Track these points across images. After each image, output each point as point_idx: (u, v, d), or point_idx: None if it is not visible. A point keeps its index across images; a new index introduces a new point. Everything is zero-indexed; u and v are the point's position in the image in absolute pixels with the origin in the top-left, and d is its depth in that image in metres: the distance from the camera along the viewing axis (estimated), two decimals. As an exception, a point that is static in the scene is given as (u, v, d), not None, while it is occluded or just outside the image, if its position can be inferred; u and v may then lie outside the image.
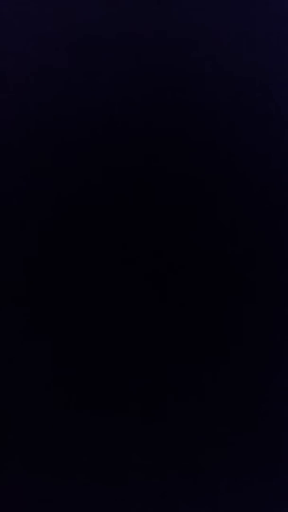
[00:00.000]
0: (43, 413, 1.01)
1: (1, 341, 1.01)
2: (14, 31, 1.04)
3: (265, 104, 1.05)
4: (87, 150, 1.03)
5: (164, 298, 1.03)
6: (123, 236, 1.03)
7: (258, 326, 1.03)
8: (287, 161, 1.05)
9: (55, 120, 1.03)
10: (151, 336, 1.02)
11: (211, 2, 1.05)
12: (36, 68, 1.04)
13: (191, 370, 1.02)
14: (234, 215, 1.04)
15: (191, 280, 1.03)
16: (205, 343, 1.02)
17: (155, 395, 1.02)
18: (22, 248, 1.02)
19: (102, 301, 1.02)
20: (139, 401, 1.02)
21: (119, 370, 1.02)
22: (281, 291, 1.03)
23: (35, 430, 1.01)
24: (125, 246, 1.03)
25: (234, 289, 1.03)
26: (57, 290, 1.02)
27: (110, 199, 1.03)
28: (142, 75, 1.04)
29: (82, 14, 1.05)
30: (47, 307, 1.02)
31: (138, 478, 1.02)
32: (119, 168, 1.03)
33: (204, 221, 1.03)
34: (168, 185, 1.03)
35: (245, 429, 1.02)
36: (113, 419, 1.02)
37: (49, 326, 1.02)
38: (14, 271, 1.02)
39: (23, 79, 1.04)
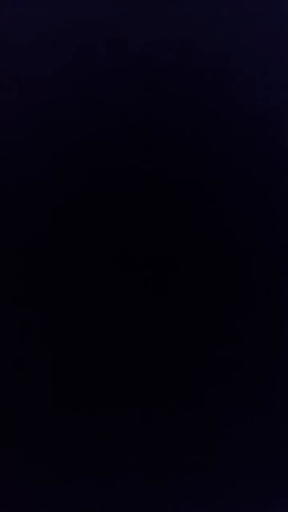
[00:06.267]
0: (43, 413, 1.01)
1: (0, 340, 1.01)
2: (14, 31, 1.04)
3: (266, 103, 1.05)
4: (87, 149, 1.03)
5: (164, 297, 1.03)
6: (123, 237, 1.03)
7: (258, 327, 1.03)
8: (287, 161, 1.05)
9: (55, 119, 1.03)
10: (152, 335, 1.02)
11: (211, 2, 1.05)
12: (36, 68, 1.04)
13: (191, 370, 1.02)
14: (234, 215, 1.04)
15: (191, 280, 1.03)
16: (205, 343, 1.02)
17: (155, 395, 1.02)
18: (22, 246, 1.02)
19: (102, 301, 1.02)
20: (139, 401, 1.02)
21: (119, 369, 1.02)
22: (282, 292, 1.03)
23: (35, 430, 1.01)
24: (124, 249, 1.03)
25: (234, 290, 1.03)
26: (56, 289, 1.02)
27: (110, 198, 1.03)
28: (142, 75, 1.04)
29: (82, 14, 1.05)
30: (46, 307, 1.02)
31: (137, 478, 1.02)
32: (118, 167, 1.03)
33: (204, 222, 1.03)
34: (168, 185, 1.03)
35: (245, 429, 1.02)
36: (112, 419, 1.02)
37: (48, 325, 1.02)
38: (14, 270, 1.02)
39: (23, 79, 1.04)
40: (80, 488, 1.01)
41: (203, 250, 1.03)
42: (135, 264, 1.03)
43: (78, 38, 1.04)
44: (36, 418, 1.01)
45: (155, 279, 1.03)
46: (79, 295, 1.02)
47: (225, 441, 1.02)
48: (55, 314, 1.02)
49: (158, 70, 1.04)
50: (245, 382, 1.03)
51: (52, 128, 1.03)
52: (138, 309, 1.02)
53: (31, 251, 1.02)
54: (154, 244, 1.03)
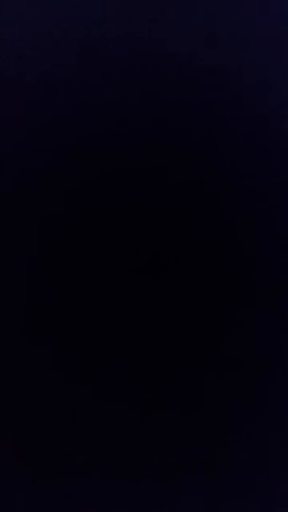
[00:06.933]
0: (43, 413, 1.01)
1: (0, 341, 1.01)
2: (15, 31, 1.04)
3: (265, 103, 1.05)
4: (87, 149, 1.03)
5: (164, 297, 1.03)
6: (124, 237, 1.03)
7: (258, 326, 1.03)
8: (287, 161, 1.05)
9: (55, 120, 1.03)
10: (152, 335, 1.02)
11: (211, 2, 1.06)
12: (36, 68, 1.04)
13: (191, 369, 1.02)
14: (234, 215, 1.04)
15: (192, 279, 1.03)
16: (205, 343, 1.02)
17: (156, 395, 1.02)
18: (22, 248, 1.02)
19: (102, 301, 1.02)
20: (139, 400, 1.02)
21: (119, 369, 1.02)
22: (282, 291, 1.04)
23: (35, 429, 1.01)
24: (125, 249, 1.03)
25: (235, 288, 1.03)
26: (57, 291, 1.02)
27: (110, 199, 1.03)
28: (142, 75, 1.04)
29: (82, 14, 1.05)
30: (47, 308, 1.02)
31: (137, 478, 1.02)
32: (118, 167, 1.03)
33: (204, 222, 1.03)
34: (168, 186, 1.03)
35: (246, 429, 1.02)
36: (112, 418, 1.02)
37: (48, 327, 1.02)
38: (14, 271, 1.02)
39: (23, 79, 1.04)
40: (80, 488, 1.01)
41: (203, 251, 1.03)
42: (136, 265, 1.03)
43: (78, 38, 1.05)
44: (35, 418, 1.01)
45: (155, 280, 1.03)
46: (80, 296, 1.02)
47: (225, 441, 1.02)
48: (55, 316, 1.02)
49: (158, 70, 1.04)
50: (245, 382, 1.03)
51: (52, 129, 1.03)
52: (138, 310, 1.02)
53: (31, 251, 1.02)
54: (154, 244, 1.03)
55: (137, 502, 1.01)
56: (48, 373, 1.01)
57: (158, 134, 1.04)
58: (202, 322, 1.03)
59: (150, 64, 1.04)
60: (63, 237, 1.02)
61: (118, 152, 1.03)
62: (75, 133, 1.03)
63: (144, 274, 1.03)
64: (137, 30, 1.05)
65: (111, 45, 1.04)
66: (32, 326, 1.02)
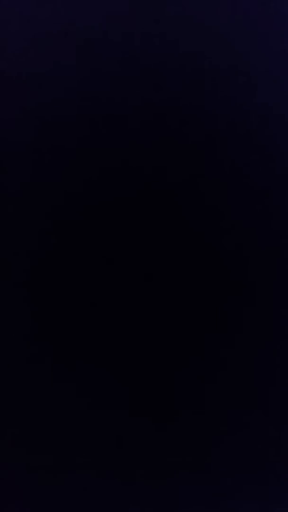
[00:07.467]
0: (44, 412, 1.01)
1: (1, 341, 1.01)
2: (14, 31, 1.04)
3: (265, 103, 1.05)
4: (87, 150, 1.03)
5: (164, 297, 1.03)
6: (122, 237, 1.03)
7: (258, 326, 1.03)
8: (287, 162, 1.05)
9: (56, 120, 1.03)
10: (151, 335, 1.02)
11: (212, 2, 1.05)
12: (37, 69, 1.04)
13: (190, 370, 1.02)
14: (233, 216, 1.04)
15: (191, 280, 1.03)
16: (205, 343, 1.02)
17: (156, 394, 1.02)
18: (23, 247, 1.02)
19: (100, 301, 1.02)
20: (141, 401, 1.02)
21: (120, 369, 1.02)
22: (281, 291, 1.03)
23: (36, 429, 1.01)
24: (124, 249, 1.03)
25: (234, 289, 1.03)
26: (57, 291, 1.02)
27: (110, 199, 1.03)
28: (142, 75, 1.04)
29: (83, 14, 1.05)
30: (47, 307, 1.02)
31: (136, 478, 1.02)
32: (118, 168, 1.03)
33: (203, 224, 1.03)
34: (167, 186, 1.03)
35: (246, 428, 1.03)
36: (114, 417, 1.02)
37: (50, 327, 1.02)
38: (15, 271, 1.02)
39: (23, 80, 1.04)
40: (79, 487, 1.01)
41: (202, 252, 1.03)
42: (135, 265, 1.03)
43: (78, 38, 1.04)
44: (37, 418, 1.01)
45: (154, 281, 1.03)
46: (79, 297, 1.02)
47: (225, 441, 1.02)
48: (54, 315, 1.02)
49: (158, 70, 1.04)
50: (245, 382, 1.03)
51: (52, 129, 1.03)
52: (137, 310, 1.02)
53: (31, 252, 1.02)
54: (153, 245, 1.03)
55: (136, 503, 1.02)
56: (48, 372, 1.01)
57: (159, 134, 1.04)
58: (202, 322, 1.03)
59: (150, 64, 1.04)
60: (62, 238, 1.03)
61: (118, 152, 1.03)
62: (75, 133, 1.03)
63: (143, 274, 1.03)
64: (138, 30, 1.04)
65: (112, 45, 1.04)
66: (32, 328, 1.02)
